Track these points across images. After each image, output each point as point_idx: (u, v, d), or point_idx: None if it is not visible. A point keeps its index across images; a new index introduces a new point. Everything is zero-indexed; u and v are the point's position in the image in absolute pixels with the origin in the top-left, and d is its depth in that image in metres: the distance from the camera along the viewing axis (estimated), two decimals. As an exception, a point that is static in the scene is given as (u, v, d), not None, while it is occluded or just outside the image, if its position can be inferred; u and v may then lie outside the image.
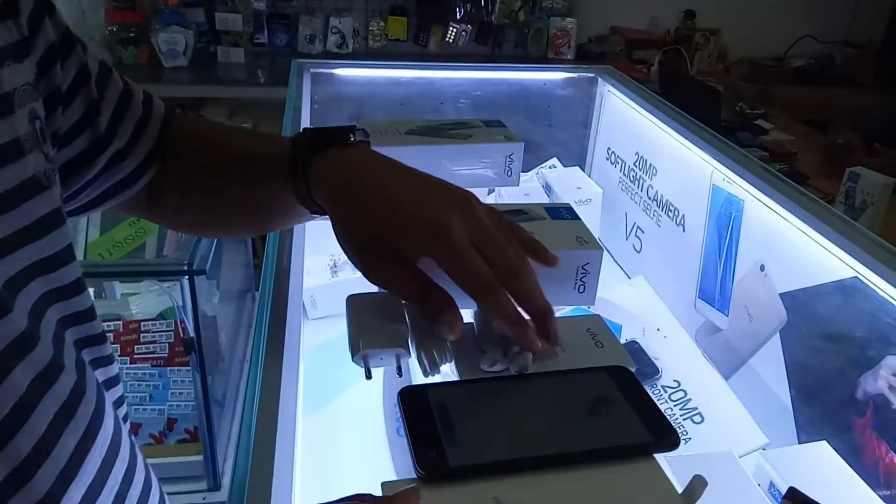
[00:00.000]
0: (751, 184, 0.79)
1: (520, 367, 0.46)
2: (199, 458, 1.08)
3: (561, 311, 0.69)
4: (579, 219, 0.55)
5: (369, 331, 0.47)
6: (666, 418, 0.42)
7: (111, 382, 0.46)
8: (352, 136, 0.49)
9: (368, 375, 0.47)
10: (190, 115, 0.59)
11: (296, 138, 0.50)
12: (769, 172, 0.81)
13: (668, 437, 0.41)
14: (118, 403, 0.47)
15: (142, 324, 1.08)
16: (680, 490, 0.38)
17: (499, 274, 0.43)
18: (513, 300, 0.43)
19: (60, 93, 0.44)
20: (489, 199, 1.01)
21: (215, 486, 1.09)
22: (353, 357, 0.47)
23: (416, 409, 0.42)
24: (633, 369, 0.48)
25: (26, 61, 0.40)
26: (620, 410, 0.43)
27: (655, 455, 0.41)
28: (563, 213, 0.55)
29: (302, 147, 0.49)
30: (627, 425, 0.42)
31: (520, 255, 0.46)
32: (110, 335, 1.09)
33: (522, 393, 0.44)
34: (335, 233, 0.47)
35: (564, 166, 1.19)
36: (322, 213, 0.49)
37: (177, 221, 0.63)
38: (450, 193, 0.45)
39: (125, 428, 0.45)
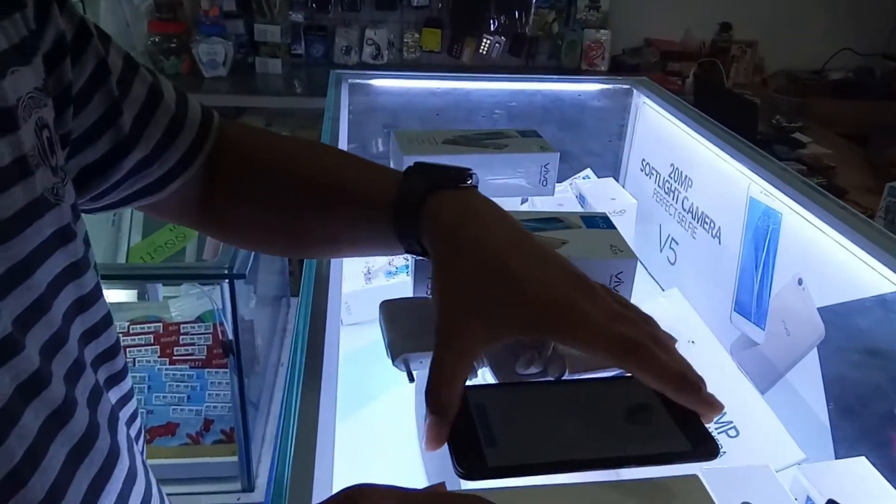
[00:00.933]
0: (789, 196, 0.79)
1: (557, 371, 0.46)
2: (234, 458, 1.10)
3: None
4: (615, 228, 0.55)
5: (407, 335, 0.48)
6: (705, 427, 0.42)
7: (125, 399, 0.45)
8: (469, 179, 0.47)
9: (411, 378, 0.48)
10: (250, 125, 0.56)
11: (406, 174, 0.47)
12: (808, 185, 0.80)
13: (706, 447, 0.41)
14: (132, 419, 0.46)
15: (181, 326, 1.11)
16: None
17: None
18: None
19: (71, 93, 0.41)
20: (523, 208, 1.01)
21: (249, 487, 1.11)
22: (393, 362, 0.48)
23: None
24: None
25: (34, 60, 0.37)
26: (659, 418, 0.42)
27: (695, 465, 0.41)
28: (598, 223, 0.55)
29: (414, 185, 0.46)
30: (666, 433, 0.41)
31: (657, 328, 0.42)
32: (151, 336, 1.12)
33: (561, 398, 0.44)
34: (435, 280, 0.43)
35: (598, 177, 1.19)
36: (419, 253, 0.47)
37: (229, 234, 0.58)
38: (577, 278, 0.42)
39: (139, 456, 0.44)
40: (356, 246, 0.54)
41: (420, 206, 0.45)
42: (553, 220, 0.55)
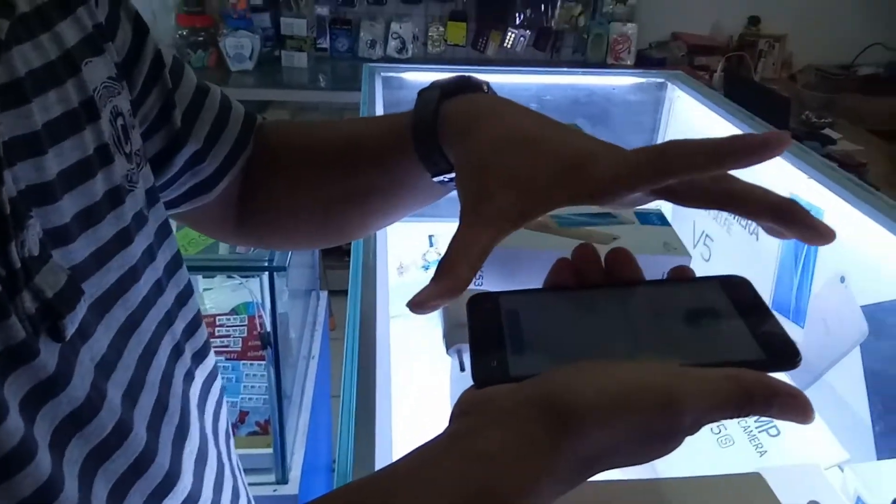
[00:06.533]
0: (832, 191, 0.78)
1: None
2: (269, 451, 1.10)
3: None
4: (669, 225, 0.55)
5: (464, 326, 0.48)
6: (784, 331, 0.34)
7: (211, 377, 0.46)
8: (484, 86, 0.44)
9: (462, 368, 0.48)
10: (285, 121, 0.57)
11: (419, 92, 0.45)
12: (850, 181, 0.79)
13: (785, 354, 0.33)
14: (218, 408, 0.47)
15: (216, 318, 1.12)
16: None
17: None
18: None
19: (139, 83, 0.42)
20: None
21: (283, 480, 1.11)
22: (447, 350, 0.48)
23: (484, 315, 0.37)
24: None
25: (107, 48, 0.38)
26: (728, 323, 0.35)
27: (752, 462, 0.40)
28: (652, 219, 0.55)
29: (428, 96, 0.43)
30: (737, 338, 0.34)
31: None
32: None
33: (612, 303, 0.37)
34: (458, 172, 0.39)
35: (632, 173, 1.18)
36: (446, 170, 0.43)
37: (271, 234, 0.56)
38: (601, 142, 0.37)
39: (226, 445, 0.46)
40: (388, 193, 0.49)
41: (436, 113, 0.42)
42: (606, 216, 0.55)
